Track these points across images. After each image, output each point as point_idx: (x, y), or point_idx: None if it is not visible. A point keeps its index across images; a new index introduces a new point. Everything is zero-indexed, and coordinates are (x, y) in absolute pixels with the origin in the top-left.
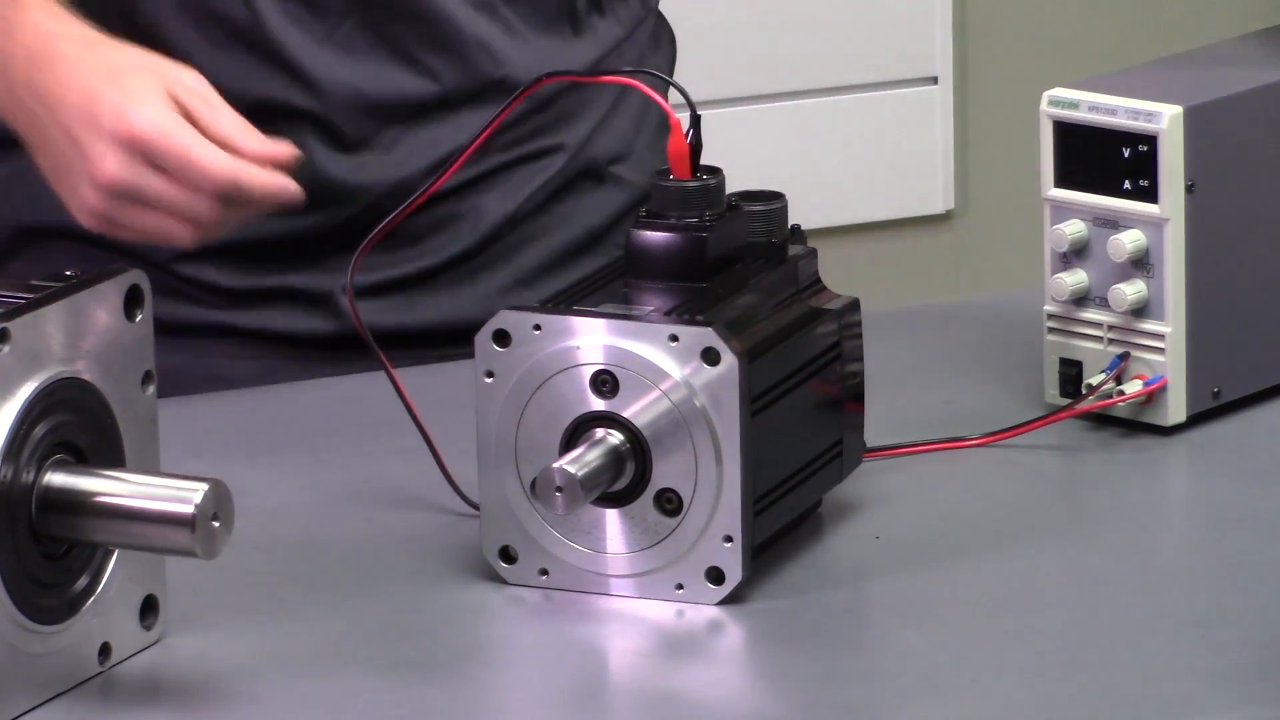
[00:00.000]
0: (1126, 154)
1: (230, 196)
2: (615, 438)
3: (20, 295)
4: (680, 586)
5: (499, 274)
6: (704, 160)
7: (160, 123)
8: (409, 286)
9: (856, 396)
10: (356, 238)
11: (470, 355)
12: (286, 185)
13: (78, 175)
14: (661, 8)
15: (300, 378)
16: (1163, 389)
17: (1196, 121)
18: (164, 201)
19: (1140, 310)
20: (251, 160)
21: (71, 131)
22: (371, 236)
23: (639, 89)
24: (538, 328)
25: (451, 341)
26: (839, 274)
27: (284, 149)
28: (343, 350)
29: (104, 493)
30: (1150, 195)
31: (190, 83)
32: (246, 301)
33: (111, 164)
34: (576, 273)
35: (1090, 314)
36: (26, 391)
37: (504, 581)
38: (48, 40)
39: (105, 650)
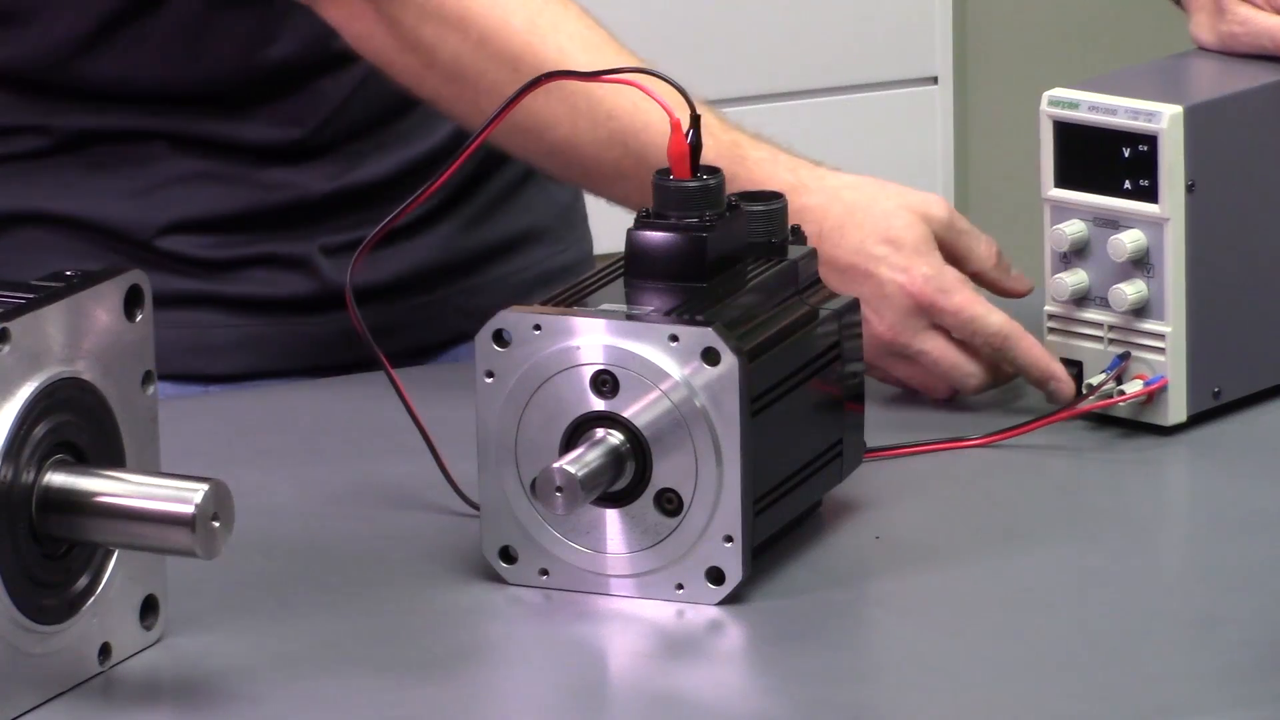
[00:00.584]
0: (1126, 154)
1: (999, 353)
2: (615, 438)
3: (20, 295)
4: (680, 586)
5: (454, 217)
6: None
7: (940, 281)
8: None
9: (856, 396)
10: (331, 202)
11: (435, 304)
12: (1058, 373)
13: None
14: (664, 8)
15: (284, 340)
16: (1163, 389)
17: (1196, 121)
18: (931, 359)
19: (1140, 310)
20: (1009, 289)
21: (841, 287)
22: (370, 239)
23: (640, 89)
24: (538, 328)
25: (420, 289)
26: None
27: (1025, 283)
28: (324, 310)
29: (104, 493)
30: (1150, 195)
31: (942, 214)
32: (226, 269)
33: (885, 324)
34: (525, 209)
35: (1090, 314)
36: (26, 391)
37: (504, 581)
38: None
39: (105, 650)
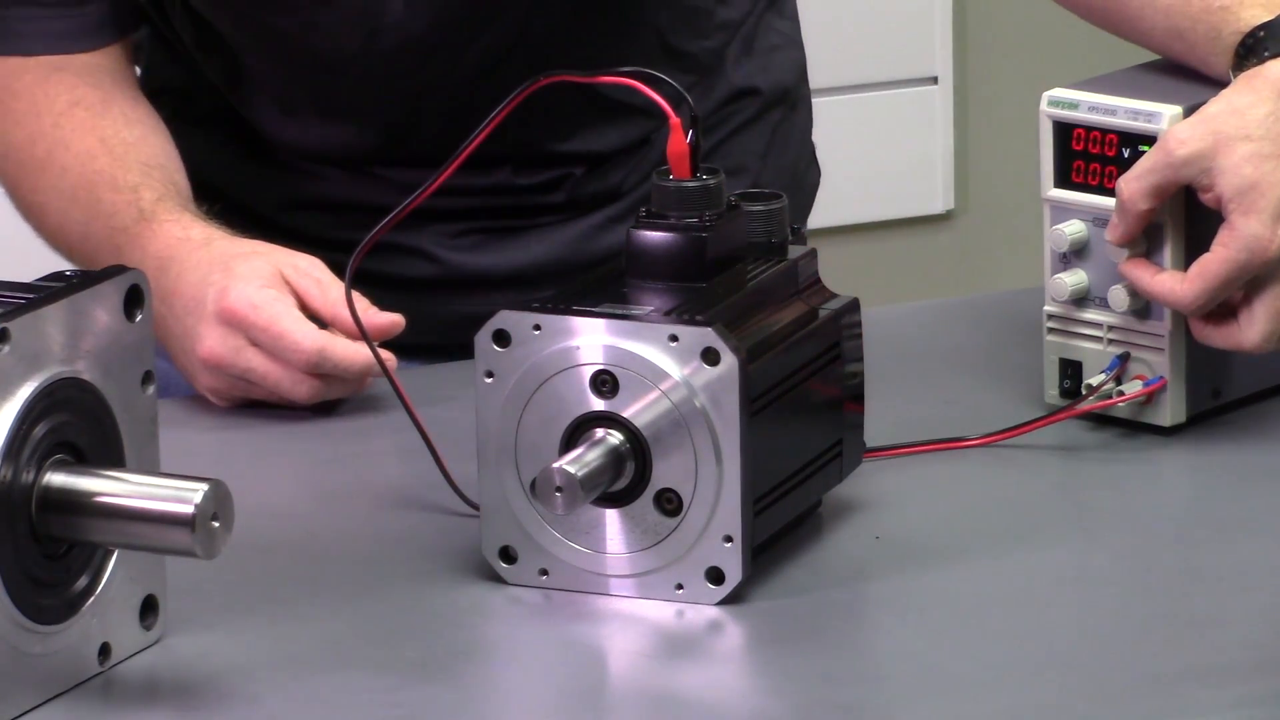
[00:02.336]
0: (1126, 154)
1: (320, 368)
2: (615, 438)
3: (20, 295)
4: (680, 586)
5: (593, 215)
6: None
7: (253, 297)
8: (508, 231)
9: (856, 396)
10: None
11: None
12: (372, 363)
13: (192, 360)
14: None
15: (407, 317)
16: (1162, 389)
17: None
18: (258, 375)
19: (1140, 310)
20: (357, 332)
21: (184, 320)
22: (369, 238)
23: (638, 89)
24: (538, 328)
25: (541, 283)
26: (839, 274)
27: (389, 319)
28: (445, 291)
29: (104, 493)
30: None
31: (303, 265)
32: (348, 249)
33: (210, 341)
34: None
35: (1090, 314)
36: (26, 391)
37: (504, 581)
38: (174, 246)
39: (105, 650)
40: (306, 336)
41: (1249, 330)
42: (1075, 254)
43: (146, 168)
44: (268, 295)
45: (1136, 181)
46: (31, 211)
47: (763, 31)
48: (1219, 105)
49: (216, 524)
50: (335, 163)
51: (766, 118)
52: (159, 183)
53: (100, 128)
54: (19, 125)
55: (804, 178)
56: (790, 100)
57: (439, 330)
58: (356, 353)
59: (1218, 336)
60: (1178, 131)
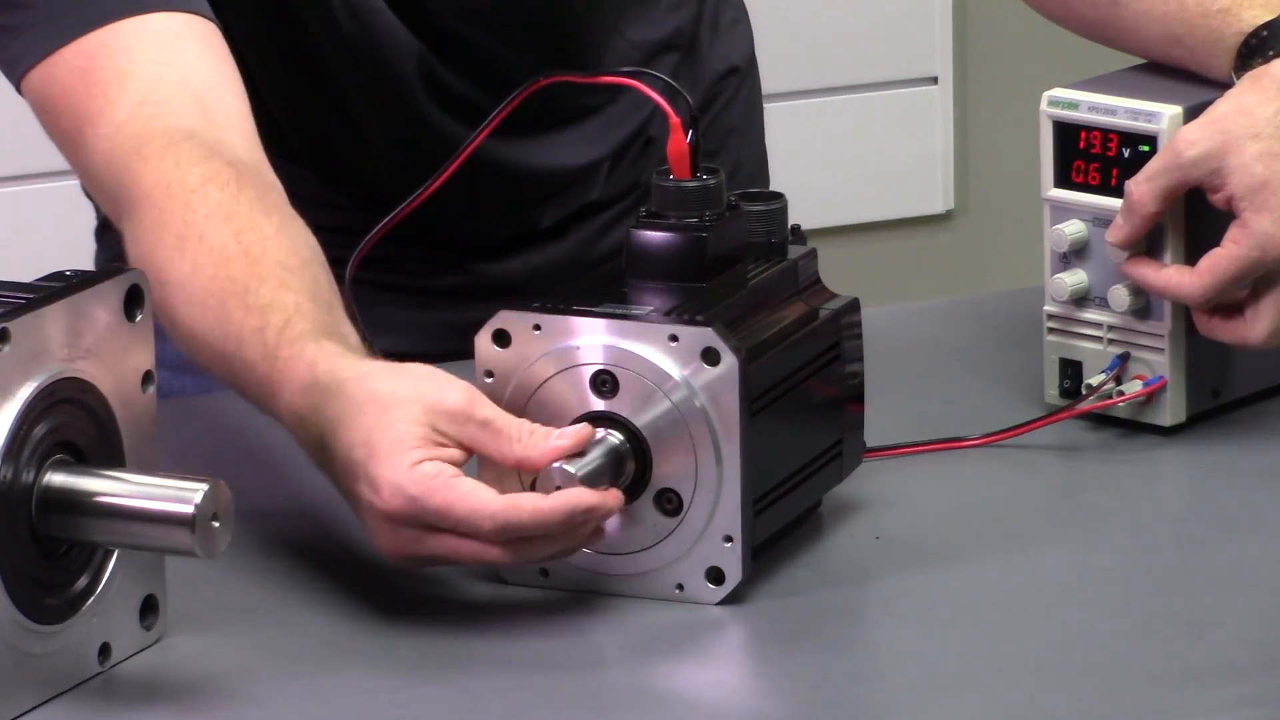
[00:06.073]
0: (1126, 154)
1: (508, 536)
2: (615, 438)
3: (20, 295)
4: (680, 586)
5: (595, 220)
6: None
7: (409, 489)
8: (537, 239)
9: (856, 396)
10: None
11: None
12: (577, 508)
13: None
14: None
15: (437, 327)
16: (1162, 389)
17: None
18: (452, 553)
19: (1140, 310)
20: (544, 461)
21: (348, 498)
22: (369, 238)
23: (638, 89)
24: (538, 328)
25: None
26: (839, 274)
27: (574, 438)
28: (477, 300)
29: (104, 493)
30: None
31: (457, 405)
32: (378, 262)
33: (383, 539)
34: None
35: (1090, 314)
36: (26, 391)
37: (504, 581)
38: (299, 406)
39: (105, 650)
40: (483, 514)
41: (1255, 326)
42: (1075, 254)
43: (284, 271)
44: (426, 475)
45: (1147, 184)
46: (162, 300)
47: (723, 8)
48: (1226, 105)
49: (216, 524)
50: (339, 189)
51: (740, 94)
52: (293, 293)
53: (236, 217)
54: (147, 197)
55: (764, 150)
56: (753, 72)
57: (458, 338)
58: (542, 514)
59: (1223, 331)
60: (1186, 133)
